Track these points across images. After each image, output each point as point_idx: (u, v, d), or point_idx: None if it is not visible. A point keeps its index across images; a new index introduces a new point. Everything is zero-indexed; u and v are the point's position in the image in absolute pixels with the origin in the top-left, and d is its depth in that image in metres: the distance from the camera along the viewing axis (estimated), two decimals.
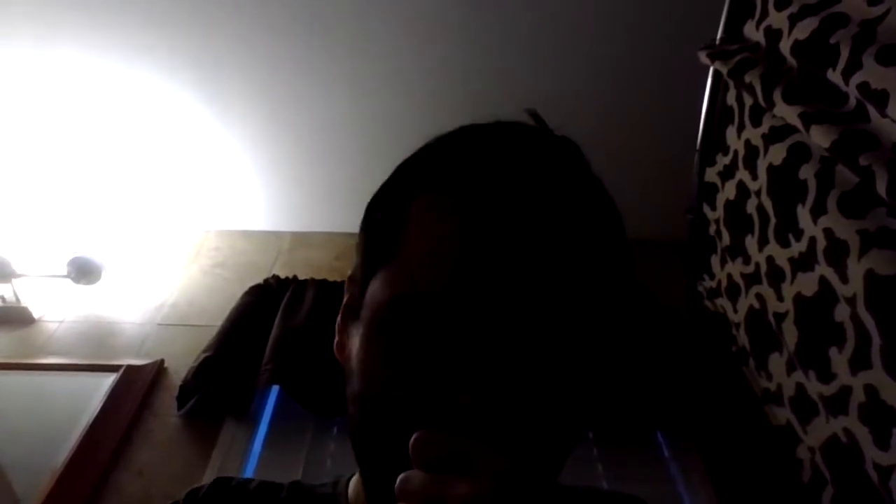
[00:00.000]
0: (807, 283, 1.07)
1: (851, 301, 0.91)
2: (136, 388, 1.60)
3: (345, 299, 0.48)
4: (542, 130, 0.42)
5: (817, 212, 1.00)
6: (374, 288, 0.41)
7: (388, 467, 0.38)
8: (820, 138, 0.95)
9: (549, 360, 0.37)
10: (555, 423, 0.39)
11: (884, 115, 0.87)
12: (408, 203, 0.40)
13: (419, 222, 0.39)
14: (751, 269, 1.29)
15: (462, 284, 0.36)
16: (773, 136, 1.16)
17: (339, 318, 0.48)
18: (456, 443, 0.31)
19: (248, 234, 2.25)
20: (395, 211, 0.41)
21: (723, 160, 1.42)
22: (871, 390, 0.89)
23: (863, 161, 0.86)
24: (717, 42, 1.36)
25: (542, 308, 0.37)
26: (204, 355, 1.60)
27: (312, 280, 1.86)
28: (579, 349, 0.38)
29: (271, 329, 1.66)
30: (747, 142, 1.28)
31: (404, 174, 0.43)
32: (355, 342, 0.42)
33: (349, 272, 0.48)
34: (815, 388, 1.05)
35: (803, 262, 1.07)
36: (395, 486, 0.31)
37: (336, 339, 0.48)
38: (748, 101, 1.28)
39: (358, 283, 0.44)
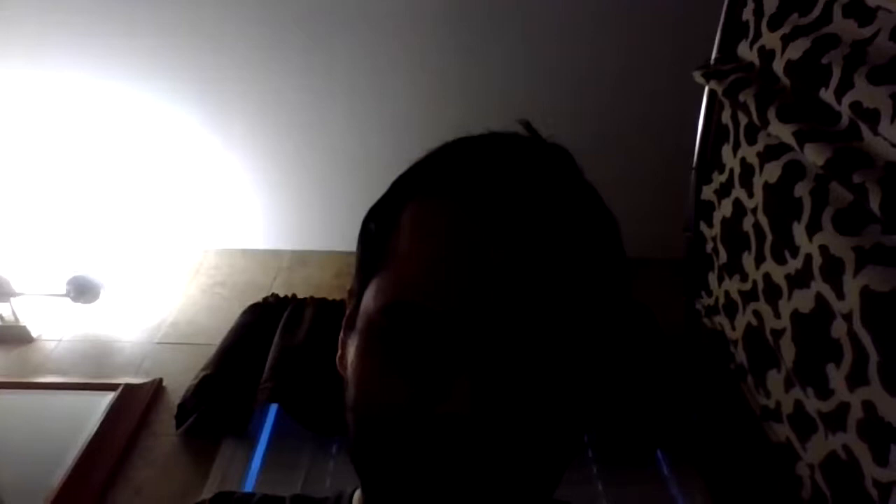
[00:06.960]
0: (803, 300, 1.07)
1: (848, 317, 0.92)
2: (135, 406, 1.60)
3: (346, 313, 0.48)
4: (534, 139, 0.42)
5: (812, 229, 1.00)
6: (367, 297, 0.41)
7: (386, 477, 0.38)
8: (814, 156, 0.96)
9: (543, 365, 0.36)
10: (552, 435, 0.38)
11: (876, 134, 0.88)
12: (398, 211, 0.41)
13: (407, 228, 0.39)
14: (748, 286, 1.30)
15: (450, 290, 0.36)
16: (768, 155, 1.17)
17: (341, 333, 0.48)
18: None
19: (247, 253, 2.26)
20: (386, 220, 0.42)
21: (719, 178, 1.43)
22: (868, 406, 0.89)
23: (856, 178, 0.87)
24: (712, 62, 1.38)
25: (536, 311, 0.36)
26: (203, 374, 1.60)
27: (311, 298, 1.86)
28: (575, 355, 0.37)
29: (270, 347, 1.66)
30: (743, 160, 1.29)
31: (398, 185, 0.43)
32: (351, 352, 0.42)
33: (349, 288, 0.48)
34: (813, 404, 1.05)
35: (799, 279, 1.08)
36: None
37: (339, 352, 0.47)
38: (743, 119, 1.29)
39: (355, 295, 0.44)
